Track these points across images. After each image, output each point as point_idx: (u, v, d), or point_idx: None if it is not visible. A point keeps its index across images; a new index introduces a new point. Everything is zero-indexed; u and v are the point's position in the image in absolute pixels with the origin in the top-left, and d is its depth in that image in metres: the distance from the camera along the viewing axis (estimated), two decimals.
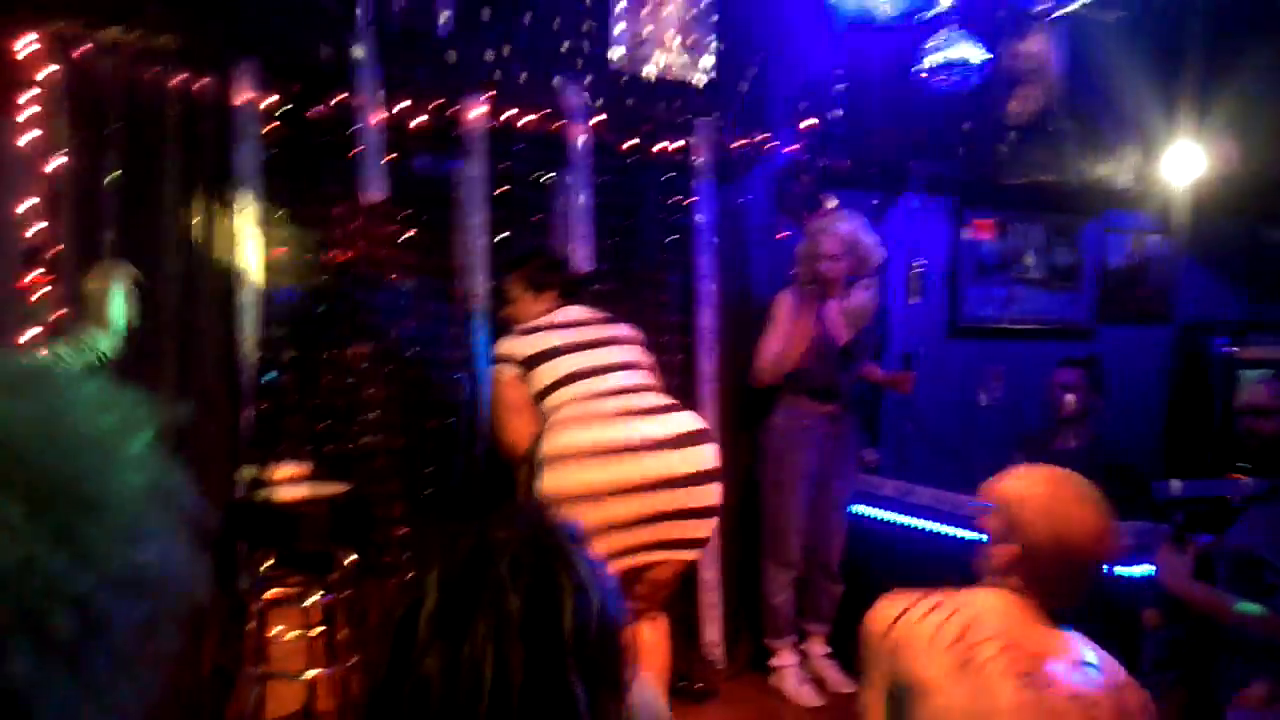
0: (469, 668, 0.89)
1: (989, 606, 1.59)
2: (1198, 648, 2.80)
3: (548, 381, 2.82)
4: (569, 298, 3.11)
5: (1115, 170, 4.91)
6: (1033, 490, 1.62)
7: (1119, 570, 3.29)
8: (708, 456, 2.77)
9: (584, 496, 2.57)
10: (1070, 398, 4.06)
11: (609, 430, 2.68)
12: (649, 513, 2.65)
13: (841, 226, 3.73)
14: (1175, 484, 2.87)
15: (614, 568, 2.70)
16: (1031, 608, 1.61)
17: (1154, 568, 3.04)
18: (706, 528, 2.82)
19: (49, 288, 2.83)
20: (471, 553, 0.97)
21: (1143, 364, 5.10)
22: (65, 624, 0.54)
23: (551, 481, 2.65)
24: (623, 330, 3.05)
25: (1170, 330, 5.31)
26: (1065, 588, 1.60)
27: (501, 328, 3.16)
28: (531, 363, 2.86)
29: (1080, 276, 5.05)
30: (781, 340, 3.70)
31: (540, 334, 2.93)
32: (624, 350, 2.95)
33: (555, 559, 0.96)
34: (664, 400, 2.88)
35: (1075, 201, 4.93)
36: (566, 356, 2.85)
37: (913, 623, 1.56)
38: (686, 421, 2.81)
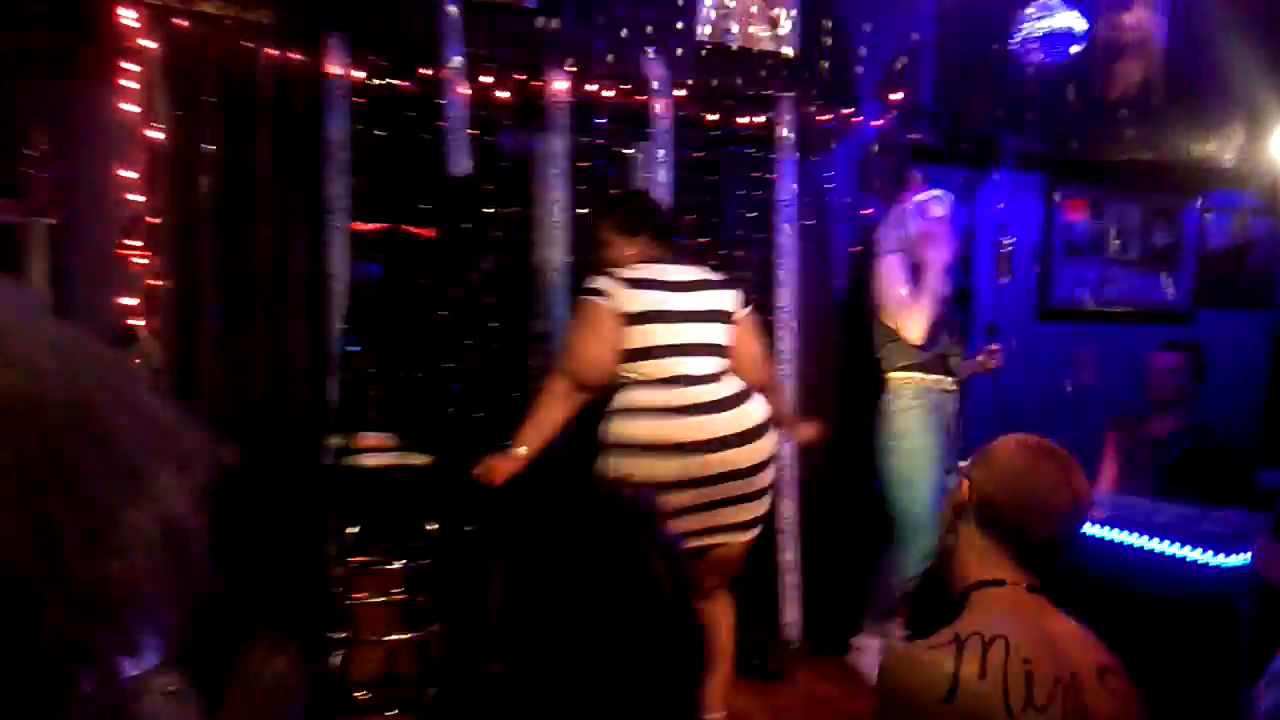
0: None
1: (1006, 621, 1.48)
2: None
3: (635, 345, 2.79)
4: (663, 242, 2.98)
5: (1218, 148, 4.71)
6: (1006, 443, 1.61)
7: (1214, 560, 3.18)
8: (766, 447, 2.85)
9: (650, 450, 2.72)
10: (1163, 383, 3.93)
11: (676, 424, 2.73)
12: (708, 500, 2.75)
13: (946, 201, 3.63)
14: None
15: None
16: (1033, 599, 1.54)
17: (1250, 556, 2.93)
18: (762, 508, 2.91)
19: (147, 257, 2.92)
20: (544, 537, 0.99)
21: (1243, 349, 4.90)
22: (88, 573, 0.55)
23: (616, 468, 2.75)
24: (719, 299, 2.91)
25: (1272, 315, 5.08)
26: (1027, 539, 1.54)
27: (594, 270, 2.98)
28: (630, 320, 2.78)
29: (1178, 258, 4.85)
30: (925, 301, 3.56)
31: (643, 292, 2.80)
32: (710, 330, 2.87)
33: (628, 544, 0.97)
34: (733, 389, 2.84)
35: (1175, 180, 4.73)
36: (657, 326, 2.79)
37: (974, 681, 1.39)
38: (751, 414, 2.84)
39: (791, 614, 3.81)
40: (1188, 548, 3.24)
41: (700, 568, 2.85)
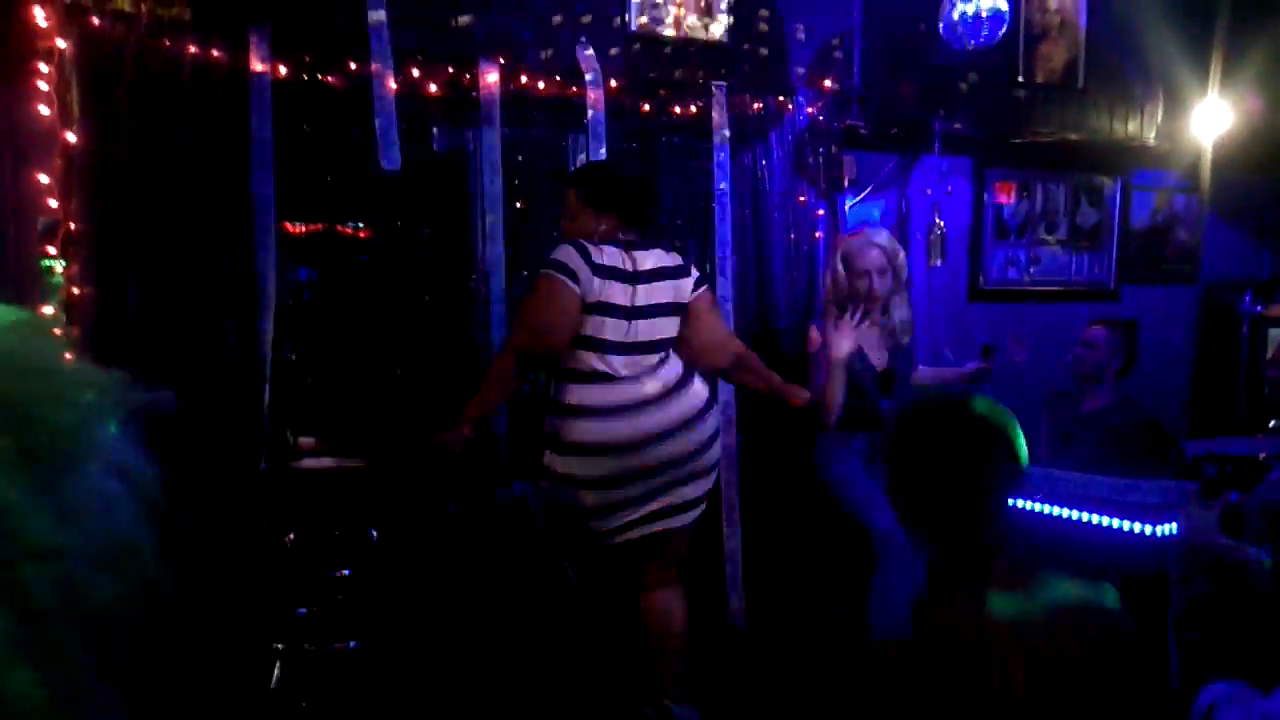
0: None
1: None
2: (1222, 604, 2.78)
3: (585, 333, 2.76)
4: (634, 223, 2.90)
5: (1140, 127, 4.83)
6: (917, 406, 1.66)
7: (1144, 529, 3.28)
8: (706, 431, 2.88)
9: (593, 486, 2.75)
10: (1092, 357, 4.04)
11: (615, 424, 2.75)
12: (648, 490, 2.80)
13: (879, 238, 3.51)
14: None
15: (628, 538, 2.66)
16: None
17: (1178, 525, 3.02)
18: (702, 488, 2.94)
19: (67, 264, 2.84)
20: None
21: (1169, 324, 5.04)
22: (39, 587, 0.53)
23: (557, 467, 2.78)
24: (675, 289, 2.88)
25: (1196, 289, 5.23)
26: (941, 507, 1.55)
27: (562, 239, 2.90)
28: (588, 309, 2.75)
29: (1105, 236, 4.97)
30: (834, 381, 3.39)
31: (606, 281, 2.75)
32: (660, 324, 2.86)
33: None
34: (672, 381, 2.84)
35: (1100, 159, 4.84)
36: (608, 319, 2.76)
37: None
38: (689, 402, 2.86)
39: (736, 600, 3.84)
40: (1118, 519, 3.34)
41: (647, 555, 2.86)
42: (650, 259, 2.86)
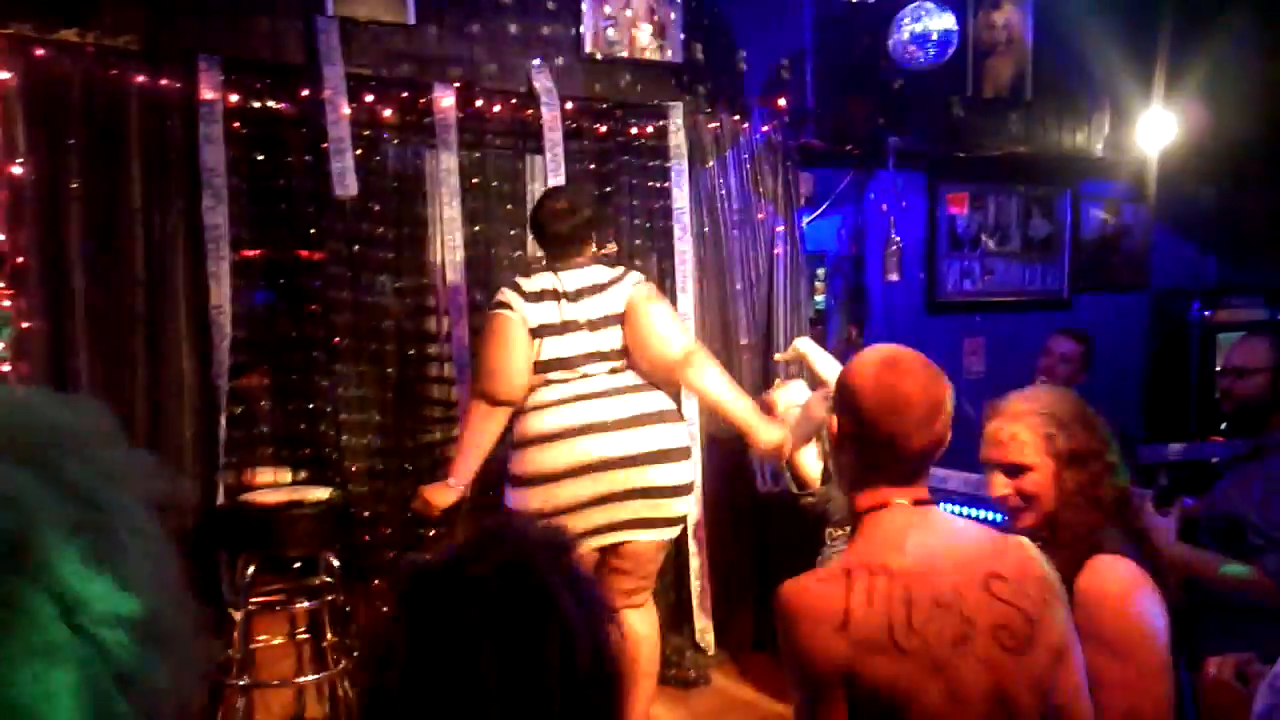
0: None
1: (890, 548, 1.54)
2: (1182, 612, 2.82)
3: (536, 358, 2.81)
4: (564, 246, 2.91)
5: (1088, 140, 4.93)
6: (857, 365, 1.66)
7: None
8: (666, 436, 2.84)
9: (545, 478, 2.73)
10: (1061, 369, 4.10)
11: (567, 449, 2.76)
12: (606, 493, 2.76)
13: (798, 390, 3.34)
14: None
15: (586, 546, 2.64)
16: (920, 514, 1.60)
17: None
18: (675, 506, 2.88)
19: (14, 299, 2.77)
20: (444, 599, 0.92)
21: (1121, 332, 5.13)
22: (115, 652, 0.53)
23: (517, 465, 2.80)
24: (610, 302, 2.86)
25: (1146, 297, 5.34)
26: (900, 451, 1.58)
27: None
28: (532, 333, 2.80)
29: (1057, 246, 5.06)
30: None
31: (537, 304, 2.81)
32: (600, 338, 2.86)
33: (538, 602, 0.90)
34: (622, 397, 2.84)
35: (1049, 171, 4.93)
36: (547, 339, 2.80)
37: (863, 610, 1.47)
38: (646, 403, 2.85)
39: (703, 619, 3.84)
40: None
41: (611, 567, 2.84)
42: (580, 277, 2.88)
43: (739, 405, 2.91)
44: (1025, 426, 2.06)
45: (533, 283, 2.86)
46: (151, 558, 0.59)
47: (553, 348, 2.81)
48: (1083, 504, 2.00)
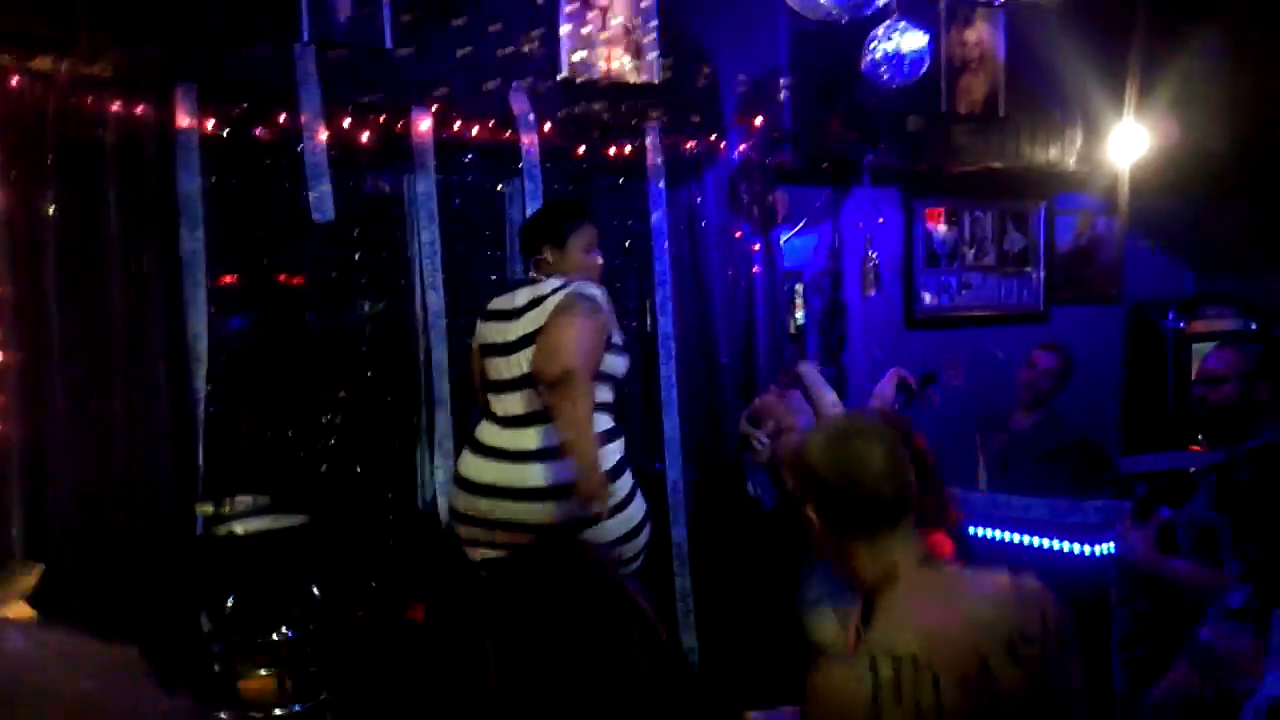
0: None
1: (911, 626, 1.52)
2: (1165, 621, 2.84)
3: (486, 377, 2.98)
4: (530, 262, 2.97)
5: (1060, 154, 4.99)
6: (805, 445, 1.66)
7: (1084, 549, 3.34)
8: (525, 476, 2.77)
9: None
10: (1044, 382, 4.15)
11: (465, 460, 2.92)
12: (474, 514, 2.85)
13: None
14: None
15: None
16: (931, 578, 1.59)
17: (1116, 544, 3.09)
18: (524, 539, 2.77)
19: None
20: (533, 618, 0.96)
21: (1096, 344, 5.17)
22: None
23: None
24: (531, 322, 2.79)
25: (1122, 309, 5.39)
26: (877, 508, 1.59)
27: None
28: (483, 351, 2.97)
29: (1032, 260, 5.11)
30: None
31: (486, 324, 2.96)
32: (514, 361, 2.83)
33: (619, 595, 0.97)
34: (516, 413, 2.84)
35: (1024, 186, 4.98)
36: (492, 360, 2.93)
37: (891, 701, 1.45)
38: (518, 440, 2.82)
39: (689, 640, 3.83)
40: (1059, 540, 3.40)
41: None
42: (523, 294, 2.88)
43: (588, 451, 2.65)
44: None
45: (496, 300, 2.94)
46: None
47: (493, 369, 2.89)
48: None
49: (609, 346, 2.83)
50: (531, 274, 2.95)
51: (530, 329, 2.77)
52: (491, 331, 2.91)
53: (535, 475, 2.75)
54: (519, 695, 0.92)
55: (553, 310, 2.74)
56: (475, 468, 2.85)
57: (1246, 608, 2.40)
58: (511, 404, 2.84)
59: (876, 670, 1.47)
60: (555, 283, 2.83)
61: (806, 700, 1.52)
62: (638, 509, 2.88)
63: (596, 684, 0.91)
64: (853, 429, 1.66)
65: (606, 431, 2.81)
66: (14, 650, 0.58)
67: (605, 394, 2.86)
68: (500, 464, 2.80)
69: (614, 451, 2.82)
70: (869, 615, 1.61)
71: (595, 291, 2.82)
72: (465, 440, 3.01)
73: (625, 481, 2.83)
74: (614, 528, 2.75)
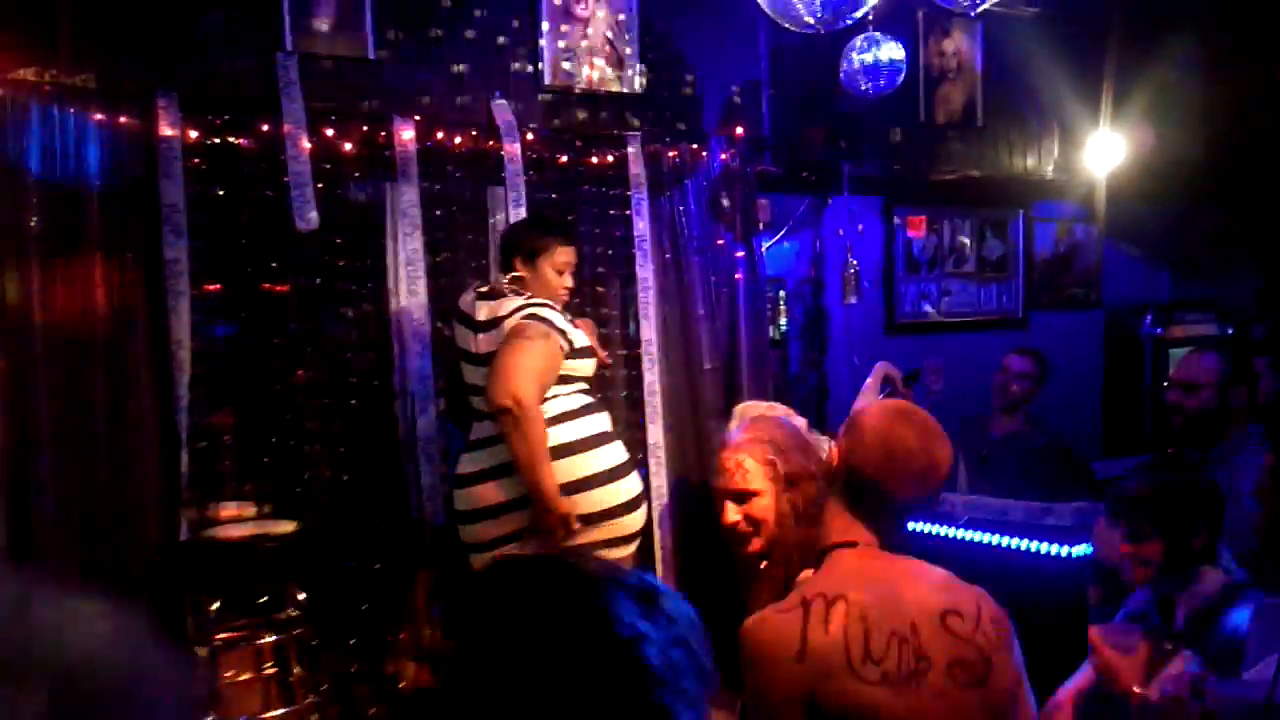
0: None
1: (850, 580, 1.59)
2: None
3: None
4: (506, 273, 3.10)
5: (1038, 162, 5.05)
6: (871, 410, 1.75)
7: (1060, 551, 3.38)
8: (469, 497, 2.97)
9: None
10: (1016, 386, 4.19)
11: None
12: (466, 508, 3.01)
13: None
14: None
15: None
16: (882, 557, 1.64)
17: (1092, 546, 3.13)
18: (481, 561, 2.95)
19: None
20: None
21: (1075, 349, 5.24)
22: None
23: None
24: (494, 339, 2.89)
25: (1100, 315, 5.45)
26: (887, 500, 1.65)
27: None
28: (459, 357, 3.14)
29: (1011, 267, 5.17)
30: None
31: (457, 326, 3.11)
32: (480, 374, 2.93)
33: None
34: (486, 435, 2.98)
35: (1002, 194, 5.04)
36: (467, 366, 3.05)
37: (820, 639, 1.51)
38: (489, 457, 2.94)
39: None
40: (1035, 542, 3.44)
41: None
42: (484, 309, 2.97)
43: (545, 479, 2.75)
44: (749, 454, 2.15)
45: (464, 300, 3.08)
46: None
47: (466, 372, 3.02)
48: (795, 523, 2.10)
49: (573, 353, 2.95)
50: (494, 283, 3.07)
51: (488, 349, 2.90)
52: (461, 335, 3.07)
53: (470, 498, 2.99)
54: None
55: (507, 334, 2.82)
56: (464, 463, 3.01)
57: (1145, 611, 2.45)
58: (481, 403, 2.98)
59: (808, 606, 1.53)
60: (514, 303, 2.92)
61: (740, 649, 1.57)
62: (631, 484, 3.04)
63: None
64: (918, 422, 1.69)
65: (584, 406, 2.99)
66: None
67: (579, 397, 3.01)
68: (488, 450, 2.92)
69: (598, 423, 3.01)
70: (816, 569, 1.67)
71: (549, 314, 2.89)
72: (451, 445, 3.12)
73: (614, 453, 2.99)
74: (603, 498, 2.90)
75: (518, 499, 2.85)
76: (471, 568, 2.98)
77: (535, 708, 0.84)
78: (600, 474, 2.93)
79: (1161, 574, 2.32)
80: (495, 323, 2.92)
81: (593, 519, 2.88)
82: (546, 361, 2.79)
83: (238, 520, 2.96)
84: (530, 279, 3.03)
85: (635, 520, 3.04)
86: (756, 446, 2.18)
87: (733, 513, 2.18)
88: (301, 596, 2.95)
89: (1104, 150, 4.96)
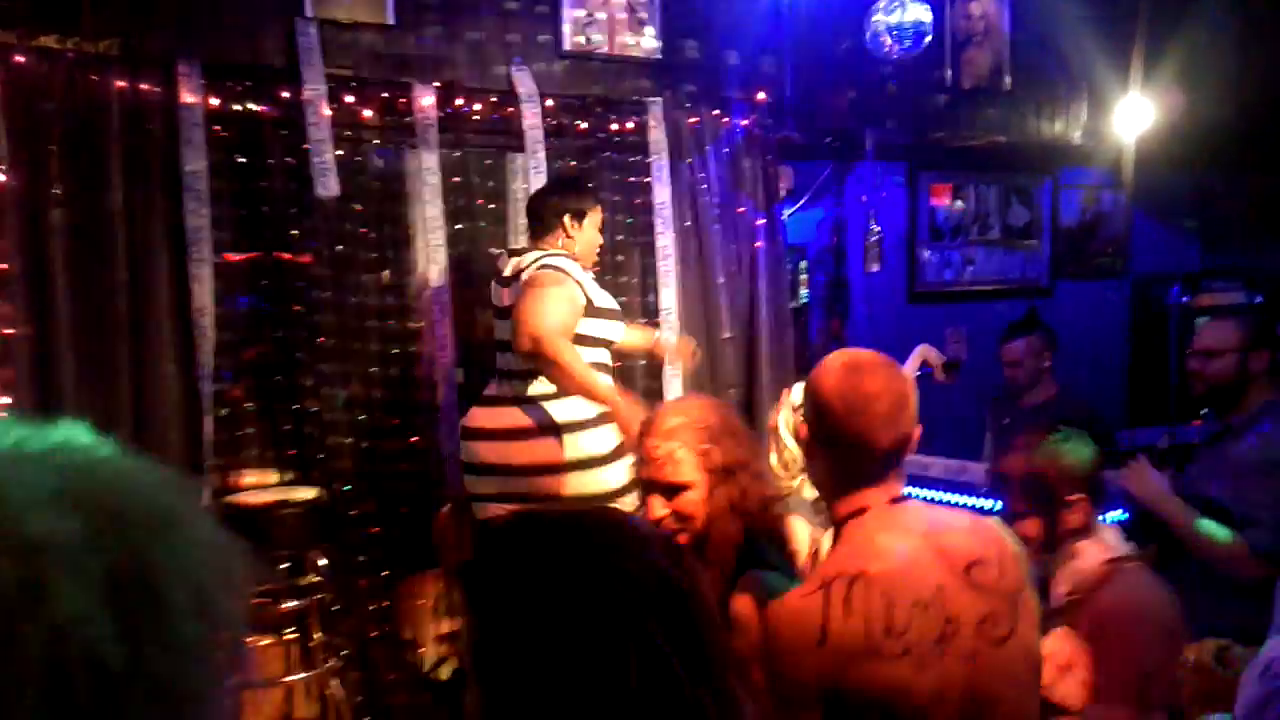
0: None
1: (868, 553, 1.55)
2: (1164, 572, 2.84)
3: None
4: (531, 234, 3.15)
5: (1066, 128, 4.96)
6: (821, 369, 1.67)
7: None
8: (479, 452, 2.98)
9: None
10: (1017, 372, 4.10)
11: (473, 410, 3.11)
12: (472, 461, 3.03)
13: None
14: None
15: None
16: (896, 513, 1.61)
17: (1122, 476, 3.04)
18: (492, 510, 2.94)
19: None
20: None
21: (1102, 317, 5.18)
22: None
23: None
24: (514, 291, 2.94)
25: (1126, 283, 5.38)
26: (871, 451, 1.59)
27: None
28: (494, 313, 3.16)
29: (1037, 234, 5.10)
30: None
31: (492, 285, 3.15)
32: (505, 326, 2.99)
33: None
34: (514, 368, 2.98)
35: (1029, 160, 4.97)
36: (497, 321, 3.11)
37: (841, 622, 1.48)
38: (495, 418, 2.97)
39: None
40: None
41: None
42: (510, 265, 3.03)
43: (597, 390, 2.81)
44: (681, 443, 1.97)
45: (501, 261, 3.14)
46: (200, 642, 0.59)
47: (498, 328, 3.07)
48: (730, 517, 1.97)
49: (596, 312, 2.95)
50: (527, 244, 3.08)
51: (510, 302, 2.95)
52: (494, 292, 3.13)
53: (521, 417, 2.94)
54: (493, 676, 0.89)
55: (523, 285, 2.88)
56: (475, 417, 3.03)
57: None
58: (508, 361, 3.01)
59: (829, 589, 1.51)
60: (532, 255, 2.97)
61: (767, 634, 1.55)
62: None
63: (571, 685, 0.85)
64: (868, 366, 1.62)
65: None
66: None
67: (598, 357, 2.98)
68: (494, 409, 2.98)
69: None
70: (834, 543, 1.65)
71: (565, 263, 2.93)
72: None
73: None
74: (612, 477, 2.91)
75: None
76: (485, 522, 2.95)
77: (553, 666, 0.85)
78: (610, 452, 2.93)
79: (1042, 553, 2.21)
80: (516, 276, 2.95)
81: (608, 497, 2.88)
82: (563, 304, 2.83)
83: (260, 487, 3.00)
84: (579, 239, 3.07)
85: None
86: (689, 432, 1.99)
87: (659, 507, 1.98)
88: (322, 562, 2.99)
89: (1133, 115, 4.86)
